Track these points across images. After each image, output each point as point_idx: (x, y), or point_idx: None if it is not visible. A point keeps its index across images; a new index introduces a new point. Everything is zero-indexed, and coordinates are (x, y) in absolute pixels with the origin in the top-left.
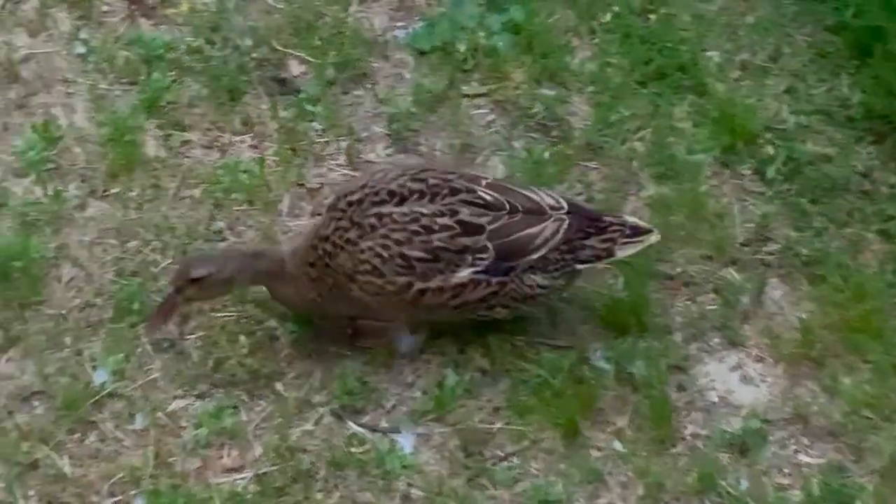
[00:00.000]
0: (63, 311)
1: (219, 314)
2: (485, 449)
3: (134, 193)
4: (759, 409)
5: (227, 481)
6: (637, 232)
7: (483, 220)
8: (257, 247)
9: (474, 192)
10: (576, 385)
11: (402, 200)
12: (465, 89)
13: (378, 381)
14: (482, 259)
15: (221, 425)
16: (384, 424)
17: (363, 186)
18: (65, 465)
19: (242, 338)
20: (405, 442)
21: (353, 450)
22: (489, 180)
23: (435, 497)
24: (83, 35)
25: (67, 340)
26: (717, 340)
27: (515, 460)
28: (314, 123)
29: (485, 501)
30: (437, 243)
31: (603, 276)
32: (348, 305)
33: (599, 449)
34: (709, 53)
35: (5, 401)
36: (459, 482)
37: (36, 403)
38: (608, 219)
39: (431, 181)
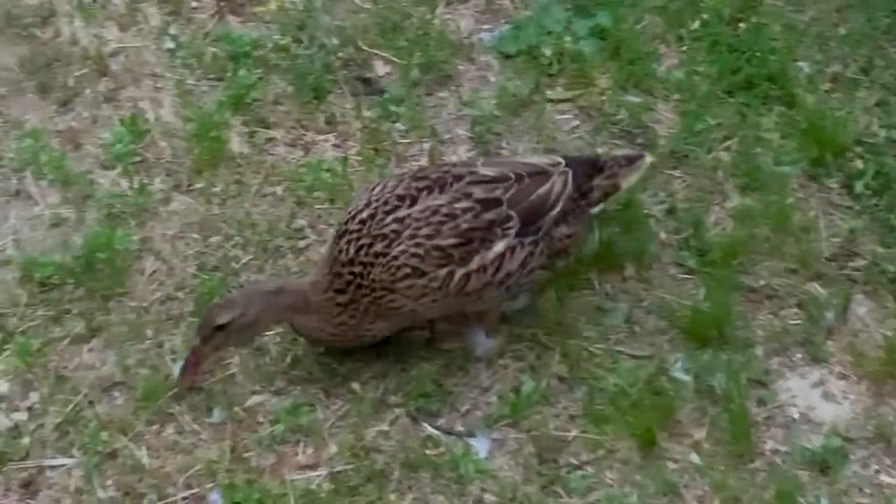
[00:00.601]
0: (145, 304)
1: None
2: (559, 456)
3: (217, 189)
4: (841, 427)
5: (301, 478)
6: (631, 159)
7: (497, 193)
8: (275, 281)
9: (476, 172)
10: (654, 396)
11: (414, 200)
12: (550, 94)
13: (454, 384)
14: (510, 228)
15: (298, 422)
16: (459, 428)
17: (368, 204)
18: (143, 455)
19: None
20: (480, 446)
21: (427, 452)
22: (482, 160)
23: (508, 502)
24: (172, 30)
25: (148, 332)
26: (799, 356)
27: (590, 469)
28: (397, 124)
29: None
30: (465, 226)
31: (685, 286)
32: (388, 322)
33: (676, 461)
34: (799, 64)
35: (86, 390)
36: (533, 489)
37: (116, 394)
38: (602, 159)
39: (433, 176)
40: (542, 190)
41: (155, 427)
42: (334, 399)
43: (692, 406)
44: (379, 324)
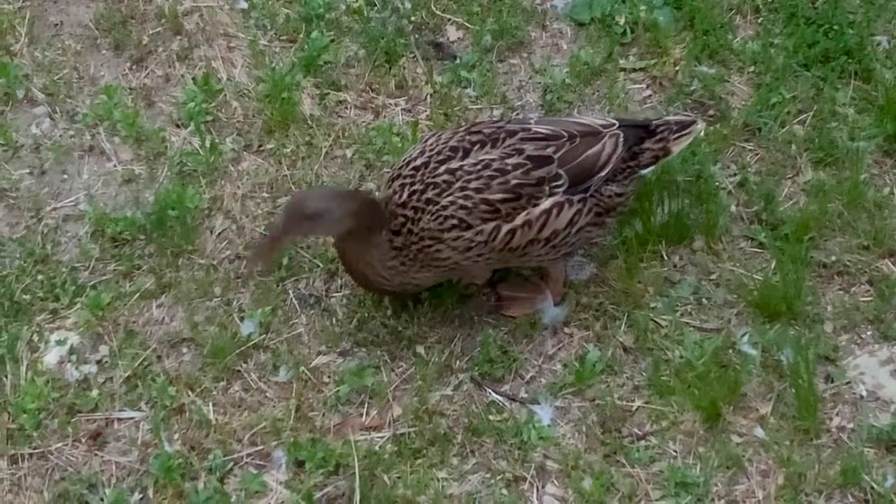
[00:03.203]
0: (214, 262)
1: None
2: (623, 426)
3: (288, 150)
4: None
5: (365, 439)
6: (683, 125)
7: (549, 151)
8: (370, 196)
9: (529, 129)
10: (720, 369)
11: (467, 153)
12: (623, 63)
13: (519, 350)
14: (558, 186)
15: (362, 383)
16: (523, 394)
17: (422, 152)
18: (209, 411)
19: (387, 298)
20: (543, 413)
21: (491, 417)
22: (535, 118)
23: (570, 471)
24: None
25: (217, 290)
26: (869, 333)
27: (653, 440)
28: (468, 90)
29: (620, 479)
30: (514, 181)
31: (755, 259)
32: (434, 273)
33: (741, 435)
34: (877, 38)
35: (155, 345)
36: (595, 458)
37: (184, 350)
38: (655, 122)
39: (486, 131)
40: (592, 150)
41: (222, 384)
42: (399, 362)
43: (759, 380)
44: (424, 273)
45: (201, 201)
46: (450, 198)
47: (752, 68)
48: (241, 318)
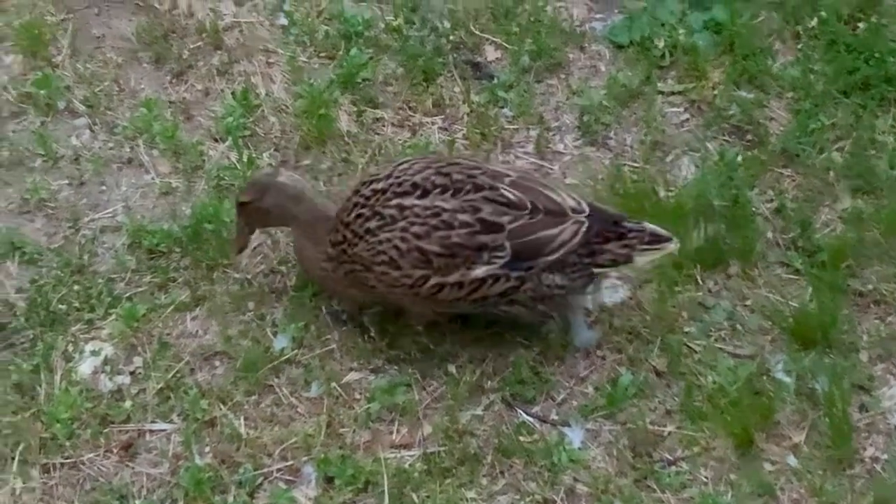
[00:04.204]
0: (248, 276)
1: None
2: (654, 451)
3: (324, 166)
4: None
5: (395, 457)
6: (657, 239)
7: (504, 220)
8: (304, 191)
9: (497, 189)
10: (753, 395)
11: (426, 193)
12: (661, 86)
13: (551, 372)
14: (498, 257)
15: (393, 401)
16: (554, 416)
17: (388, 176)
18: (240, 425)
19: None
20: (574, 436)
21: (521, 438)
22: (513, 177)
23: (600, 494)
24: (287, 7)
25: (251, 305)
26: None
27: (685, 465)
28: (505, 110)
29: None
30: (455, 239)
31: (791, 286)
32: (361, 293)
33: (773, 463)
34: None
35: (188, 358)
36: (626, 482)
37: (217, 363)
38: (629, 225)
39: (456, 176)
40: (547, 232)
41: (253, 398)
42: (430, 380)
43: (792, 408)
44: (354, 291)
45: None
46: (388, 234)
47: (791, 94)
48: (275, 333)
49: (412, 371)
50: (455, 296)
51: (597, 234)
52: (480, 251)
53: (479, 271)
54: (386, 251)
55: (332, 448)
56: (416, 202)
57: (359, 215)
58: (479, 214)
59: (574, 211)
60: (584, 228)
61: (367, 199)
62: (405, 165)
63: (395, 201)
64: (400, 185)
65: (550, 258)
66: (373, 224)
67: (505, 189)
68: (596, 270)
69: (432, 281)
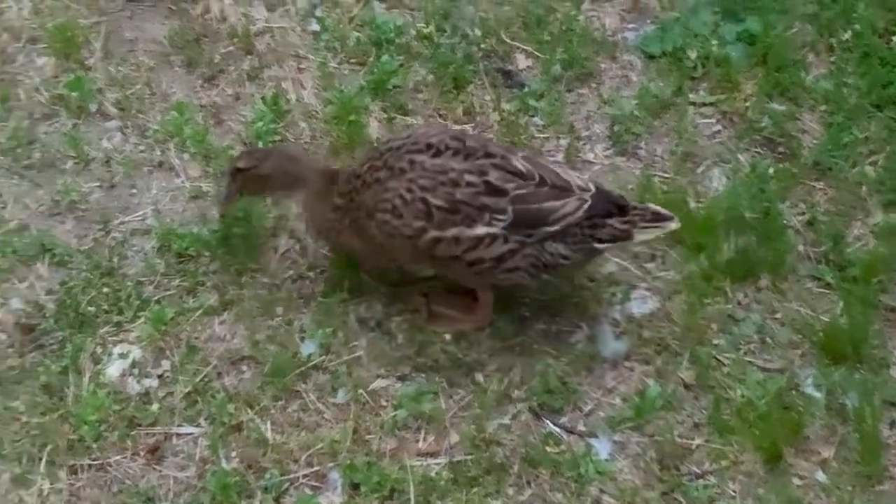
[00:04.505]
0: (277, 281)
1: (425, 298)
2: (682, 464)
3: None
4: None
5: (421, 465)
6: (658, 217)
7: (509, 185)
8: (300, 153)
9: (508, 159)
10: (782, 410)
11: (438, 154)
12: (693, 97)
13: (578, 382)
14: (499, 220)
15: (420, 409)
16: (581, 427)
17: (406, 137)
18: (267, 430)
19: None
20: (601, 447)
21: (548, 449)
22: (525, 153)
23: None
24: (318, 13)
25: (279, 310)
26: None
27: (712, 479)
28: (536, 118)
29: None
30: (458, 196)
31: (822, 300)
32: (361, 244)
33: (801, 478)
34: None
35: (216, 362)
36: (653, 494)
37: (245, 368)
38: (631, 204)
39: (470, 143)
40: (551, 203)
41: (280, 403)
42: (457, 389)
43: (822, 423)
44: (355, 242)
45: (267, 220)
46: (395, 183)
47: (823, 107)
48: (302, 339)
49: (439, 379)
50: (451, 252)
51: (600, 210)
52: (482, 211)
53: (479, 230)
54: (390, 199)
55: (359, 455)
56: (428, 159)
57: (371, 167)
58: (485, 177)
59: (580, 189)
60: (586, 205)
61: (382, 154)
62: (424, 130)
63: (407, 157)
64: (415, 143)
65: (551, 229)
66: (382, 174)
67: (516, 160)
68: (597, 245)
69: (430, 234)
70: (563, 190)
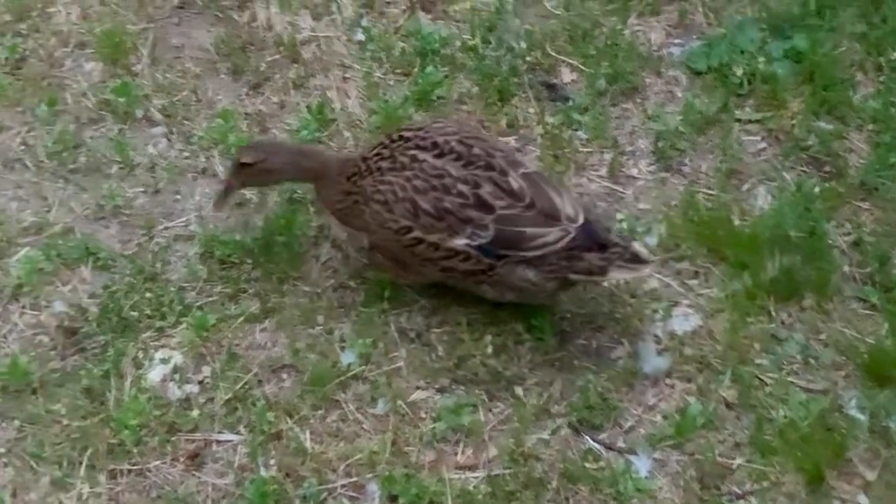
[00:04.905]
0: (318, 290)
1: (466, 309)
2: (722, 484)
3: None
4: None
5: (459, 478)
6: (635, 259)
7: (497, 203)
8: (309, 146)
9: (506, 175)
10: (825, 431)
11: (441, 155)
12: (738, 114)
13: (619, 399)
14: (480, 236)
15: (459, 422)
16: (621, 444)
17: (419, 128)
18: (306, 439)
19: (488, 337)
20: (641, 465)
21: (587, 465)
22: (527, 170)
23: None
24: (364, 23)
25: (320, 319)
26: None
27: (753, 500)
28: (579, 132)
29: None
30: (446, 204)
31: (867, 321)
32: (359, 226)
33: (844, 500)
34: None
35: (256, 369)
36: None
37: (285, 376)
38: (615, 240)
39: (475, 150)
40: (534, 229)
41: (320, 412)
42: (497, 402)
43: (865, 446)
44: (357, 222)
45: (309, 229)
46: (392, 177)
47: (871, 126)
48: (342, 348)
49: (479, 392)
50: (429, 255)
51: (581, 243)
52: (465, 224)
53: (458, 242)
54: (384, 192)
55: (397, 466)
56: (429, 159)
57: (378, 154)
58: (477, 190)
59: (568, 219)
60: (568, 238)
61: (392, 142)
62: (439, 125)
63: (412, 152)
64: (423, 139)
65: (528, 254)
66: (385, 164)
67: (513, 178)
68: (571, 277)
69: (414, 233)
70: (550, 217)
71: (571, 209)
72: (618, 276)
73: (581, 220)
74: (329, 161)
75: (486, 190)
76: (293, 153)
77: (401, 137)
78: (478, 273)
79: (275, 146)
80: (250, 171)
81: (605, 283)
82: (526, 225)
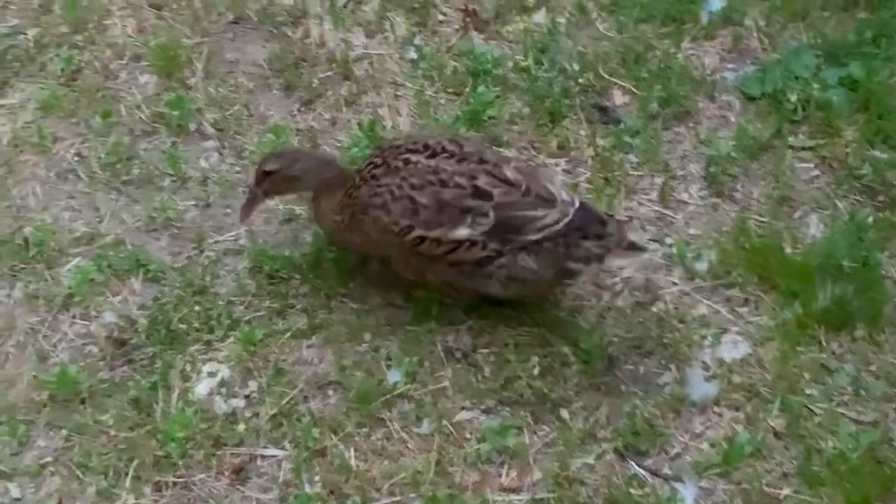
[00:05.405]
0: (366, 307)
1: (513, 330)
2: None
3: None
4: None
5: (502, 500)
6: (633, 247)
7: (495, 191)
8: (329, 154)
9: (500, 167)
10: (875, 464)
11: (434, 155)
12: (792, 141)
13: (666, 425)
14: (481, 224)
15: (504, 443)
16: (667, 471)
17: (408, 137)
18: (350, 457)
19: (534, 359)
20: (687, 492)
21: (632, 491)
22: (519, 164)
23: None
24: (417, 41)
25: (366, 336)
26: None
27: None
28: (630, 155)
29: None
30: (445, 196)
31: None
32: (360, 240)
33: None
34: None
35: (302, 385)
36: None
37: (330, 393)
38: (611, 229)
39: (467, 148)
40: (532, 212)
41: (365, 430)
42: (542, 425)
43: None
44: (357, 237)
45: None
46: (388, 180)
47: None
48: (388, 366)
49: (524, 414)
50: (434, 252)
51: (578, 228)
52: (465, 214)
53: (462, 232)
54: (382, 195)
55: (441, 487)
56: (422, 160)
57: (371, 164)
58: (474, 181)
59: (564, 202)
60: (567, 219)
61: (384, 151)
62: (427, 132)
63: (405, 155)
64: (414, 143)
65: (529, 237)
66: (379, 171)
67: (507, 169)
68: (570, 265)
69: (416, 232)
70: (547, 201)
71: (566, 194)
72: (615, 263)
73: (577, 203)
74: (345, 172)
75: (483, 180)
76: (315, 161)
77: (391, 147)
78: (486, 262)
79: (297, 153)
80: (274, 178)
81: (654, 309)
82: (524, 209)
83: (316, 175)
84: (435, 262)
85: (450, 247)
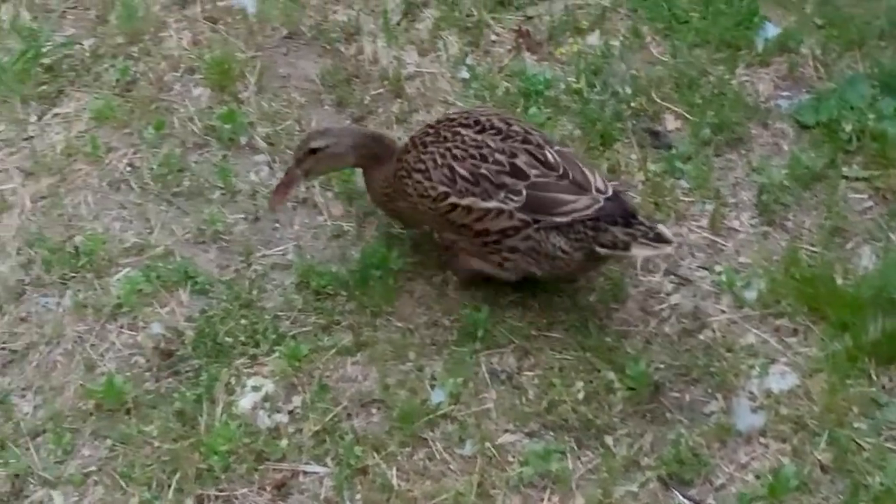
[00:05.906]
0: (411, 326)
1: (558, 354)
2: None
3: None
4: None
5: None
6: (659, 238)
7: (532, 171)
8: (376, 131)
9: (543, 149)
10: None
11: (482, 130)
12: (846, 171)
13: (711, 455)
14: (512, 200)
15: (547, 468)
16: (711, 501)
17: (464, 111)
18: (392, 476)
19: (579, 383)
20: None
21: None
22: (562, 147)
23: None
24: (469, 61)
25: (411, 355)
26: None
27: None
28: (681, 181)
29: None
30: (482, 170)
31: None
32: (405, 205)
33: None
34: None
35: (346, 402)
36: None
37: (374, 411)
38: (640, 218)
39: (514, 127)
40: (564, 195)
41: (407, 449)
42: (586, 450)
43: None
44: (403, 203)
45: (405, 265)
46: (434, 148)
47: None
48: (432, 386)
49: (568, 439)
50: (462, 220)
51: (608, 215)
52: (499, 189)
53: (492, 203)
54: (425, 161)
55: None
56: (471, 133)
57: (425, 132)
58: (513, 160)
59: (598, 190)
60: (597, 206)
61: (440, 122)
62: (483, 109)
63: (455, 128)
64: (467, 118)
65: (558, 220)
66: (429, 139)
67: (549, 152)
68: (597, 249)
69: (450, 199)
70: (581, 187)
71: (602, 183)
72: (641, 253)
73: (610, 192)
74: (393, 145)
75: (522, 160)
76: (361, 136)
77: (447, 118)
78: (511, 231)
79: (343, 129)
80: (320, 156)
81: (701, 336)
82: (557, 192)
83: (360, 151)
84: (463, 230)
85: (478, 214)
